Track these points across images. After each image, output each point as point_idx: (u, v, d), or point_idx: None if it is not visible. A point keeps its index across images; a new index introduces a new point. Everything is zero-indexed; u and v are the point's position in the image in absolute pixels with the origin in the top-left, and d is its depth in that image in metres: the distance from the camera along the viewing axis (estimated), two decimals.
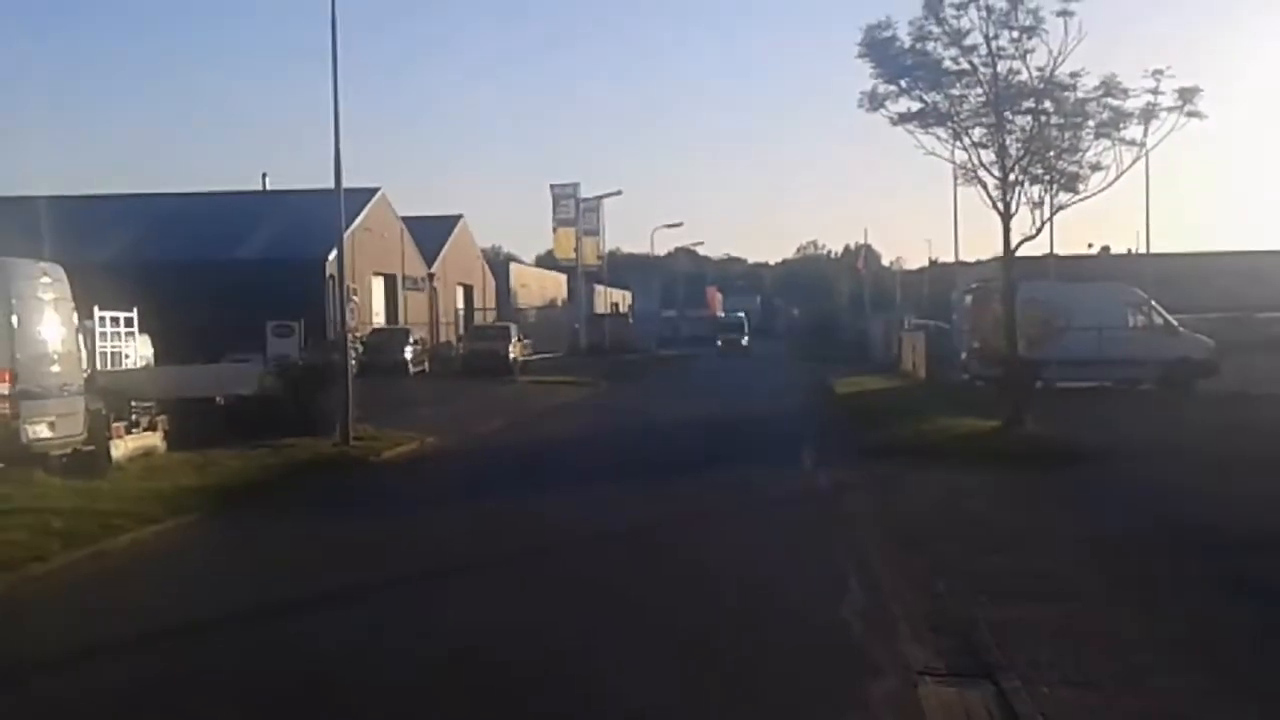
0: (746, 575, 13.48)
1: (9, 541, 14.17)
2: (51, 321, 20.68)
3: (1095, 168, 24.05)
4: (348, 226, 32.36)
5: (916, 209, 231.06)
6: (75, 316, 21.86)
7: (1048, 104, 23.90)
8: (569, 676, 9.59)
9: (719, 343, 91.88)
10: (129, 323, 31.74)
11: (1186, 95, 23.17)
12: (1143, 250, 64.10)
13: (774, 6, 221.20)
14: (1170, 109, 23.27)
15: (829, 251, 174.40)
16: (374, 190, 63.56)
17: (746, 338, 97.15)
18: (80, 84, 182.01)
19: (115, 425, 21.96)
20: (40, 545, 14.18)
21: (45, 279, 20.85)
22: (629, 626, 11.33)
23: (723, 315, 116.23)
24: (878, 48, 24.41)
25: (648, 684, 9.35)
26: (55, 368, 20.53)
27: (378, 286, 66.28)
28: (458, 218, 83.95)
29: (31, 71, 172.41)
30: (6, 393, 19.02)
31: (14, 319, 19.51)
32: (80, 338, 22.49)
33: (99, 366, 26.50)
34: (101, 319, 30.00)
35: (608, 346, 75.50)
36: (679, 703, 8.82)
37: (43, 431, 19.85)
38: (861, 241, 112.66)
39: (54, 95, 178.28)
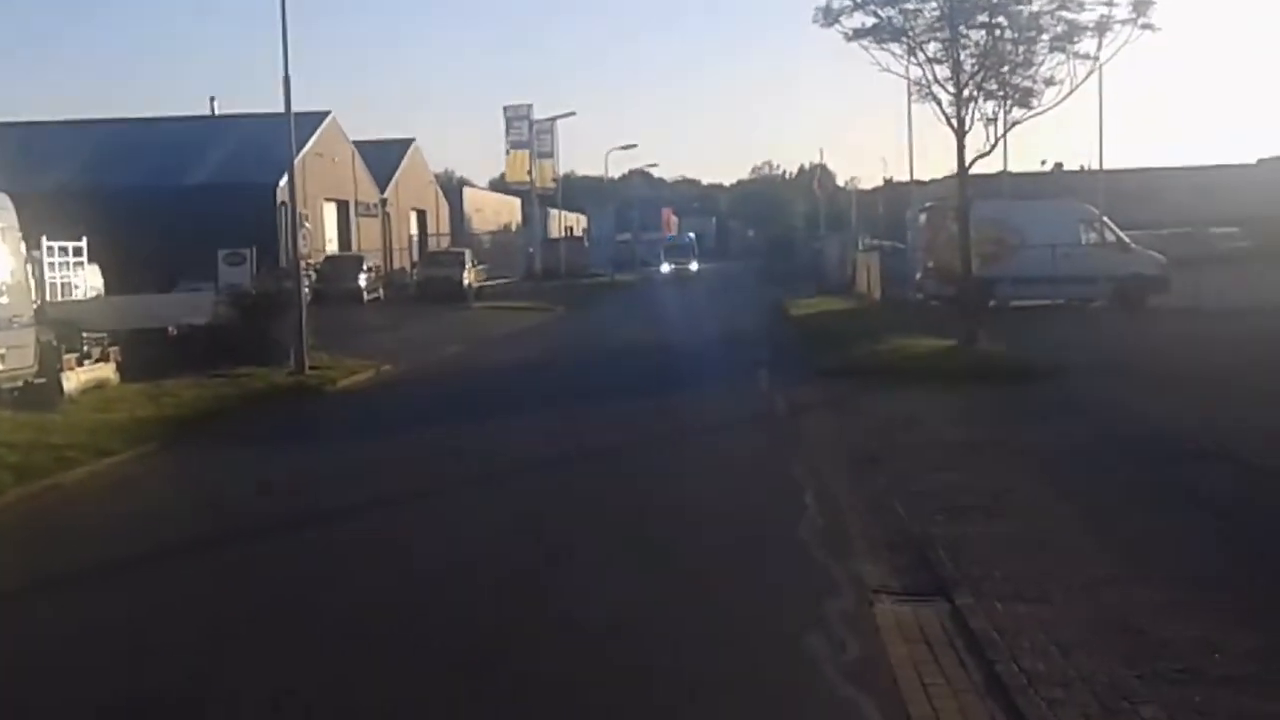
0: (705, 495, 13.57)
1: None
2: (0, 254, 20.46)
3: (1049, 82, 24.19)
4: (298, 151, 32.02)
5: (872, 127, 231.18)
6: (23, 247, 21.60)
7: (1002, 18, 23.94)
8: (542, 587, 9.72)
9: (663, 268, 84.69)
10: (78, 252, 31.53)
11: (1140, 7, 23.26)
12: (1096, 167, 64.20)
13: None
14: (1123, 21, 23.39)
15: (784, 172, 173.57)
16: (325, 114, 62.87)
17: (695, 262, 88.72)
18: (21, 6, 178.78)
19: (66, 357, 21.75)
20: None
21: None
22: (596, 540, 11.51)
23: (669, 237, 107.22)
24: None
25: (615, 591, 9.63)
26: (3, 299, 20.32)
27: (330, 213, 65.73)
28: (410, 141, 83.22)
29: None
30: None
31: None
32: (28, 268, 22.23)
33: (48, 298, 26.28)
34: (50, 249, 29.78)
35: (563, 271, 75.43)
36: (644, 615, 8.94)
37: None
38: (817, 161, 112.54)
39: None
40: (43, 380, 20.64)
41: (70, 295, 29.13)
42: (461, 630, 8.90)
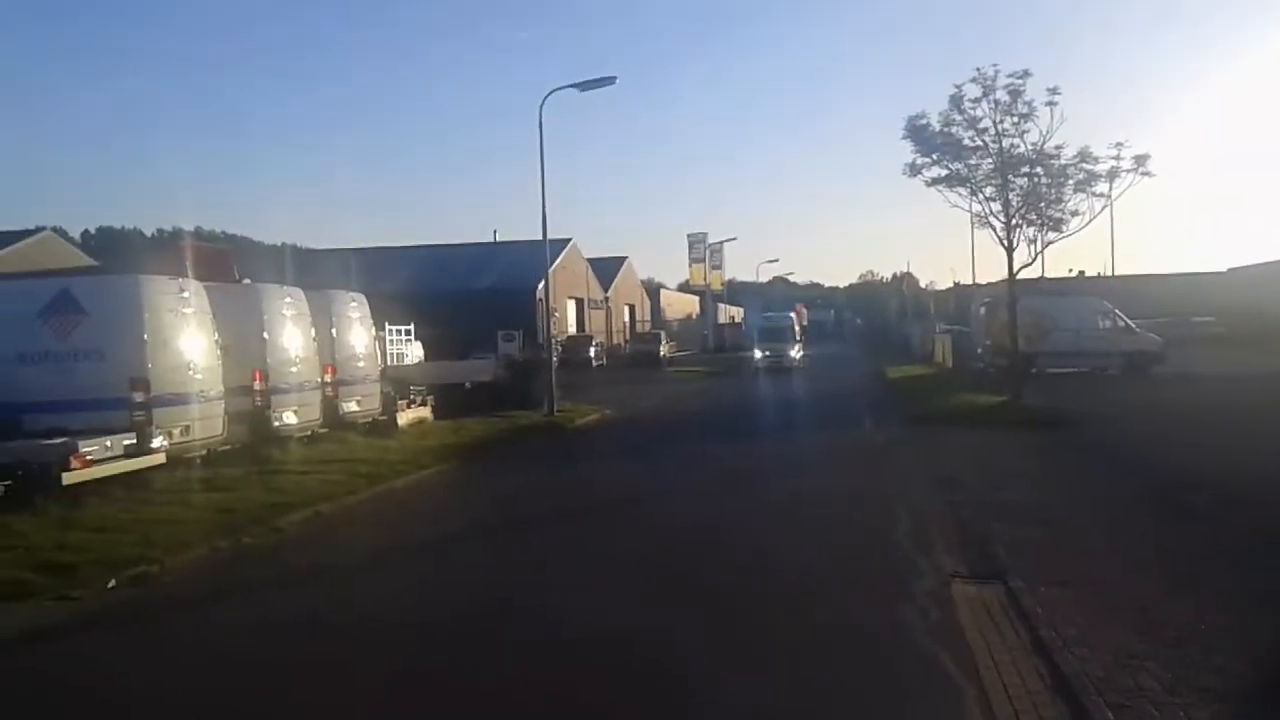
0: (825, 504, 13.34)
1: (331, 480, 14.66)
2: (358, 333, 21.28)
3: (1074, 214, 23.56)
4: (550, 266, 32.64)
5: (945, 245, 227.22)
6: (373, 330, 22.44)
7: (1039, 169, 23.44)
8: (726, 538, 9.70)
9: (756, 355, 49.62)
10: (408, 333, 32.43)
11: (1140, 160, 22.69)
12: (1109, 273, 62.33)
13: (843, 104, 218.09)
14: (1128, 170, 22.76)
15: (881, 278, 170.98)
16: (568, 240, 64.13)
17: (798, 348, 50.97)
18: (373, 169, 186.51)
19: (400, 402, 22.52)
20: (351, 483, 14.63)
21: (354, 303, 21.46)
22: (753, 516, 11.48)
23: (765, 316, 58.16)
24: (916, 132, 24.21)
25: (766, 546, 10.05)
26: (361, 364, 21.12)
27: (571, 307, 66.93)
28: (624, 258, 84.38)
29: (341, 156, 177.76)
30: (330, 379, 19.58)
31: (333, 331, 20.12)
32: (377, 344, 23.05)
33: (389, 363, 27.13)
34: (390, 331, 30.71)
35: (727, 346, 75.32)
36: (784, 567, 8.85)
37: (352, 406, 20.43)
38: (905, 270, 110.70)
39: (356, 176, 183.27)
40: (384, 417, 21.38)
41: (402, 361, 30.00)
42: (695, 547, 9.65)
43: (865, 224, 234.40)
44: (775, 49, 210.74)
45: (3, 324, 14.30)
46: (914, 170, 24.56)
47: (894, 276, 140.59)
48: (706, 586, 9.12)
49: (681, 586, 9.14)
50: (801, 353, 51.44)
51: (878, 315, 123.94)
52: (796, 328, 54.29)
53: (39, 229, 42.64)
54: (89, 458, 12.58)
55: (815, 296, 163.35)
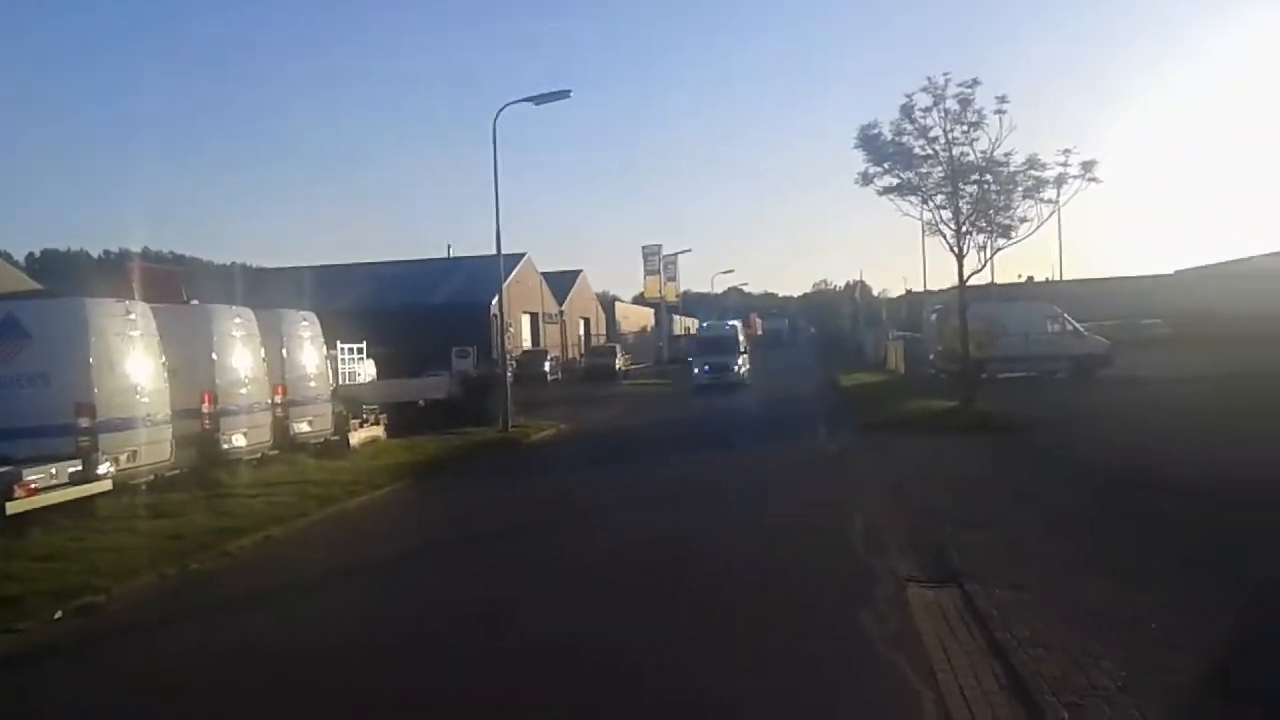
0: (780, 512, 13.38)
1: (282, 503, 14.47)
2: (309, 352, 21.04)
3: (1023, 220, 23.81)
4: (505, 280, 32.52)
5: (896, 252, 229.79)
6: (324, 348, 22.20)
7: (989, 177, 23.70)
8: (689, 544, 9.66)
9: (694, 372, 43.40)
10: (359, 352, 32.14)
11: (1087, 167, 22.93)
12: (1057, 278, 63.17)
13: (795, 114, 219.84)
14: (1075, 176, 23.05)
15: (835, 286, 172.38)
16: (522, 254, 63.89)
17: (743, 361, 44.00)
18: (326, 185, 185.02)
19: (352, 422, 22.28)
20: (303, 505, 14.45)
21: (304, 322, 21.22)
22: (708, 526, 11.43)
23: (702, 326, 56.40)
24: (868, 141, 24.40)
25: (725, 558, 9.76)
26: (312, 384, 20.87)
27: (525, 321, 66.68)
28: (579, 272, 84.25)
29: (294, 174, 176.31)
30: (280, 400, 19.33)
31: (284, 351, 19.87)
32: (328, 363, 22.80)
33: (341, 382, 26.85)
34: (341, 349, 30.43)
35: (682, 358, 75.49)
36: (741, 573, 8.82)
37: (303, 427, 20.17)
38: (857, 278, 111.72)
39: (308, 193, 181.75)
40: (336, 437, 21.14)
41: (354, 380, 29.69)
42: (651, 558, 9.53)
43: (818, 233, 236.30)
44: (727, 60, 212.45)
45: None
46: (866, 180, 24.76)
47: (847, 285, 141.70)
48: (664, 596, 9.08)
49: (639, 596, 9.11)
50: (747, 366, 43.98)
51: (831, 323, 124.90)
52: (741, 337, 45.47)
53: None
54: (33, 486, 12.29)
55: (770, 306, 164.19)
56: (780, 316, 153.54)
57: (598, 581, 9.83)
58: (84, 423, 13.60)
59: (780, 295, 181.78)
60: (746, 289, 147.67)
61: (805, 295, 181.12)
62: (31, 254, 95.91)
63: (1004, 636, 7.09)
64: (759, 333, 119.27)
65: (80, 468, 13.21)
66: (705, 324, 53.41)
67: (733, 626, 8.06)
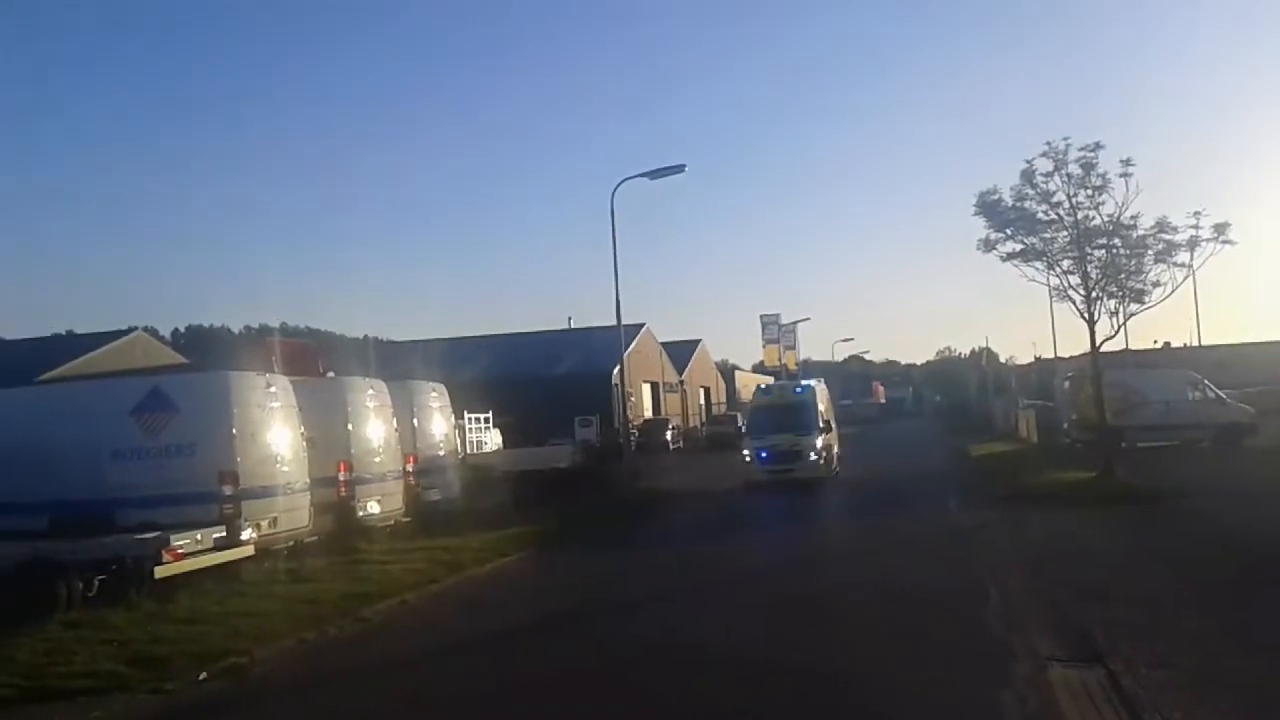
0: (915, 585, 13.01)
1: (414, 569, 14.76)
2: (439, 422, 21.60)
3: (1155, 284, 23.01)
4: (625, 350, 32.89)
5: (1023, 319, 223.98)
6: (453, 418, 22.74)
7: (1117, 240, 23.02)
8: (817, 622, 9.49)
9: (746, 456, 29.27)
10: (487, 421, 32.81)
11: (1219, 229, 22.16)
12: (1195, 343, 60.78)
13: (914, 179, 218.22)
14: (1208, 239, 22.27)
15: (959, 353, 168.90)
16: (641, 325, 64.62)
17: (823, 441, 28.99)
18: (453, 258, 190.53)
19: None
20: (434, 572, 14.72)
21: (434, 393, 21.82)
22: (842, 595, 11.16)
23: (761, 389, 34.54)
24: (988, 208, 23.99)
25: (858, 626, 9.43)
26: (442, 452, 21.37)
27: (646, 390, 67.14)
28: (698, 341, 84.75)
29: (420, 251, 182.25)
30: (411, 468, 19.81)
31: (414, 421, 20.44)
32: (456, 433, 23.33)
33: (469, 450, 27.40)
34: (469, 419, 31.13)
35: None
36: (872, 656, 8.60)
37: (434, 495, 20.59)
38: (983, 345, 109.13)
39: (435, 270, 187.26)
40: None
41: (482, 449, 30.26)
42: (779, 633, 9.13)
43: (941, 299, 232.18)
44: (844, 129, 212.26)
45: (97, 422, 14.77)
46: (988, 246, 24.32)
47: (972, 352, 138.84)
48: (801, 667, 8.91)
49: (777, 668, 8.96)
50: (835, 448, 31.26)
51: (957, 391, 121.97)
52: (821, 406, 30.22)
53: (131, 329, 44.40)
54: (180, 551, 12.83)
55: (892, 374, 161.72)
56: (903, 384, 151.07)
57: (732, 653, 9.68)
58: (228, 490, 14.17)
59: (903, 363, 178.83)
60: (868, 356, 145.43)
61: (928, 363, 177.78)
62: (177, 329, 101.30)
63: (1152, 718, 6.77)
64: (882, 400, 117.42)
65: (224, 534, 13.75)
66: (765, 387, 34.91)
67: (875, 701, 7.87)
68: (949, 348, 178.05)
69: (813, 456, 28.07)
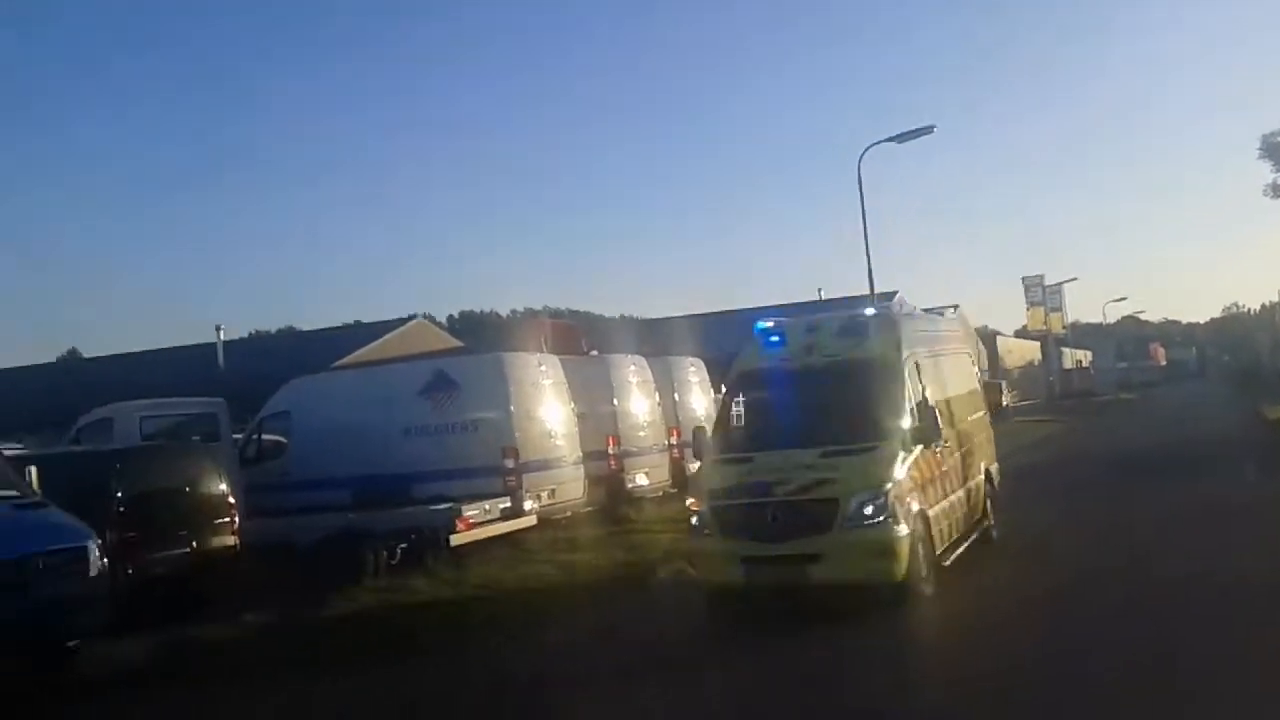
0: (1219, 564, 11.85)
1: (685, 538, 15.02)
2: (698, 396, 21.93)
3: None
4: None
5: None
6: (712, 393, 22.96)
7: None
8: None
9: (693, 519, 10.75)
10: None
11: None
12: None
13: (1186, 124, 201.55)
14: None
15: (1248, 309, 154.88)
16: (894, 293, 62.79)
17: (893, 479, 9.64)
18: (700, 235, 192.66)
19: None
20: None
21: (692, 368, 22.20)
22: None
23: (769, 338, 13.00)
24: (1275, 150, 21.89)
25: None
26: (704, 425, 21.59)
27: None
28: (955, 306, 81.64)
29: (673, 231, 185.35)
30: (675, 442, 20.20)
31: (675, 395, 20.88)
32: (715, 405, 23.51)
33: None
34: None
35: (1075, 392, 71.01)
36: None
37: (695, 466, 20.87)
38: (1276, 300, 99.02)
39: (682, 247, 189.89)
40: None
41: None
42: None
43: (1223, 252, 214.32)
44: (1103, 73, 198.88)
45: (391, 402, 16.05)
46: (1276, 191, 22.25)
47: (1263, 307, 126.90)
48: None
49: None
50: (950, 489, 11.81)
51: (1246, 351, 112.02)
52: (908, 376, 11.15)
53: (411, 316, 47.25)
54: (472, 521, 13.74)
55: (1173, 334, 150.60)
56: (1185, 345, 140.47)
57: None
58: (510, 464, 15.03)
59: (1184, 323, 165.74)
60: (1144, 317, 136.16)
61: (1213, 321, 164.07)
62: (452, 315, 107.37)
63: None
64: (1162, 363, 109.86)
65: (509, 505, 14.61)
66: (767, 328, 13.70)
67: None
68: (1236, 303, 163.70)
69: (868, 521, 9.62)
